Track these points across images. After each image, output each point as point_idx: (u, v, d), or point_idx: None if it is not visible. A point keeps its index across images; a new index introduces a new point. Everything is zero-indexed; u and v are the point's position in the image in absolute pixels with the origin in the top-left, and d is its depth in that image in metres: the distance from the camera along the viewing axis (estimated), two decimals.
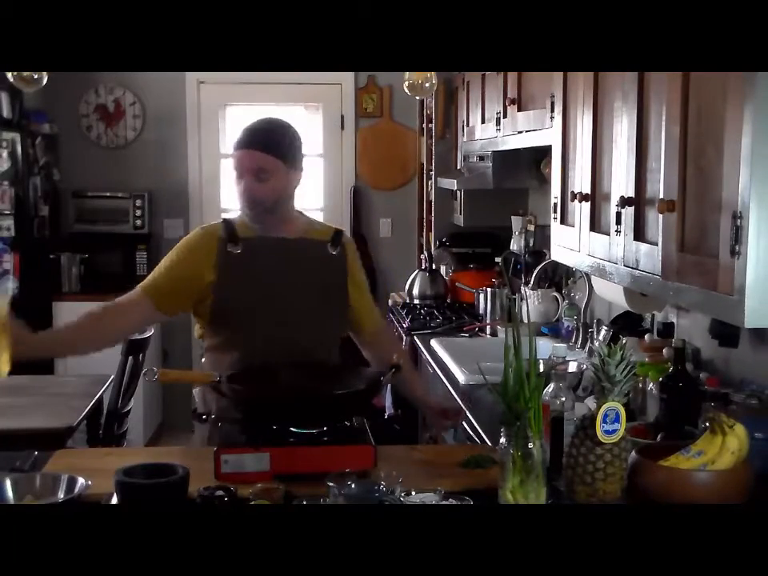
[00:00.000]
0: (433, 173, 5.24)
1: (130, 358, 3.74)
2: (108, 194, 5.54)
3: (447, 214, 5.15)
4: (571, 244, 2.58)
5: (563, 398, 1.95)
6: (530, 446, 1.63)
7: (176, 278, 2.31)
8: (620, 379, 1.75)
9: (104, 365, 3.50)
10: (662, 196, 1.92)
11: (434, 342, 3.79)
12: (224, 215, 2.48)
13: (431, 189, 5.31)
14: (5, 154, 5.02)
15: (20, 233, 5.10)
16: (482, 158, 4.32)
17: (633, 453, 1.80)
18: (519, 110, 3.44)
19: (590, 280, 3.40)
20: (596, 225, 2.38)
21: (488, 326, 4.11)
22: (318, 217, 5.87)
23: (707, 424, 1.79)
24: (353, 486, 1.70)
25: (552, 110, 2.80)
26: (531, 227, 4.37)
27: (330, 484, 1.68)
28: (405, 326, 4.28)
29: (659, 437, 2.11)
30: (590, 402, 2.46)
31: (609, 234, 2.24)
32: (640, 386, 2.44)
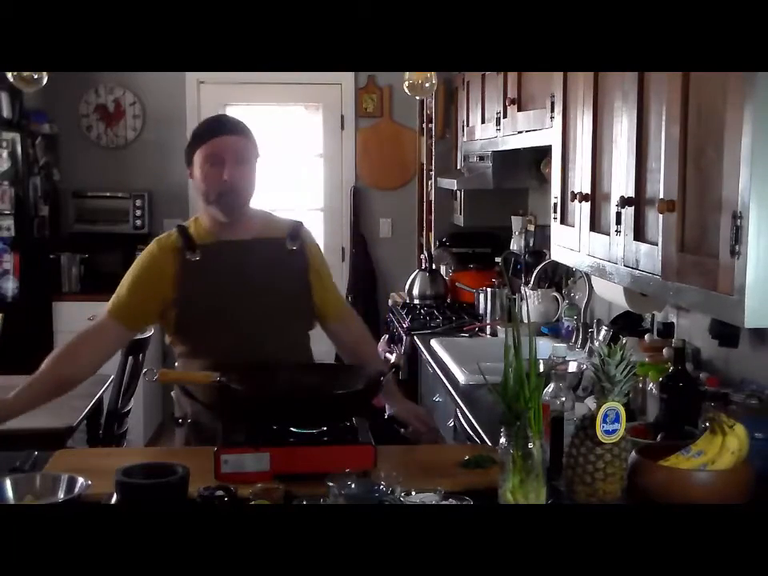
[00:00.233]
0: (433, 173, 5.24)
1: (130, 358, 3.74)
2: (108, 194, 5.54)
3: (447, 214, 5.15)
4: (571, 244, 2.58)
5: (563, 398, 1.95)
6: (530, 445, 1.63)
7: (139, 299, 2.31)
8: (620, 379, 1.75)
9: (104, 365, 3.49)
10: (661, 196, 1.92)
11: (434, 342, 3.79)
12: (179, 222, 2.46)
13: (431, 189, 5.30)
14: (5, 154, 5.02)
15: (20, 233, 5.10)
16: (481, 158, 4.32)
17: (633, 453, 1.80)
18: (519, 109, 3.44)
19: (589, 280, 3.40)
20: (596, 225, 2.38)
21: (488, 326, 4.11)
22: (319, 217, 5.89)
23: (707, 424, 1.79)
24: (353, 485, 1.70)
25: (552, 110, 2.80)
26: (531, 227, 4.36)
27: (330, 484, 1.68)
28: (405, 326, 4.27)
29: (659, 437, 2.10)
30: (590, 402, 2.46)
31: (609, 234, 2.24)
32: (640, 385, 2.44)
